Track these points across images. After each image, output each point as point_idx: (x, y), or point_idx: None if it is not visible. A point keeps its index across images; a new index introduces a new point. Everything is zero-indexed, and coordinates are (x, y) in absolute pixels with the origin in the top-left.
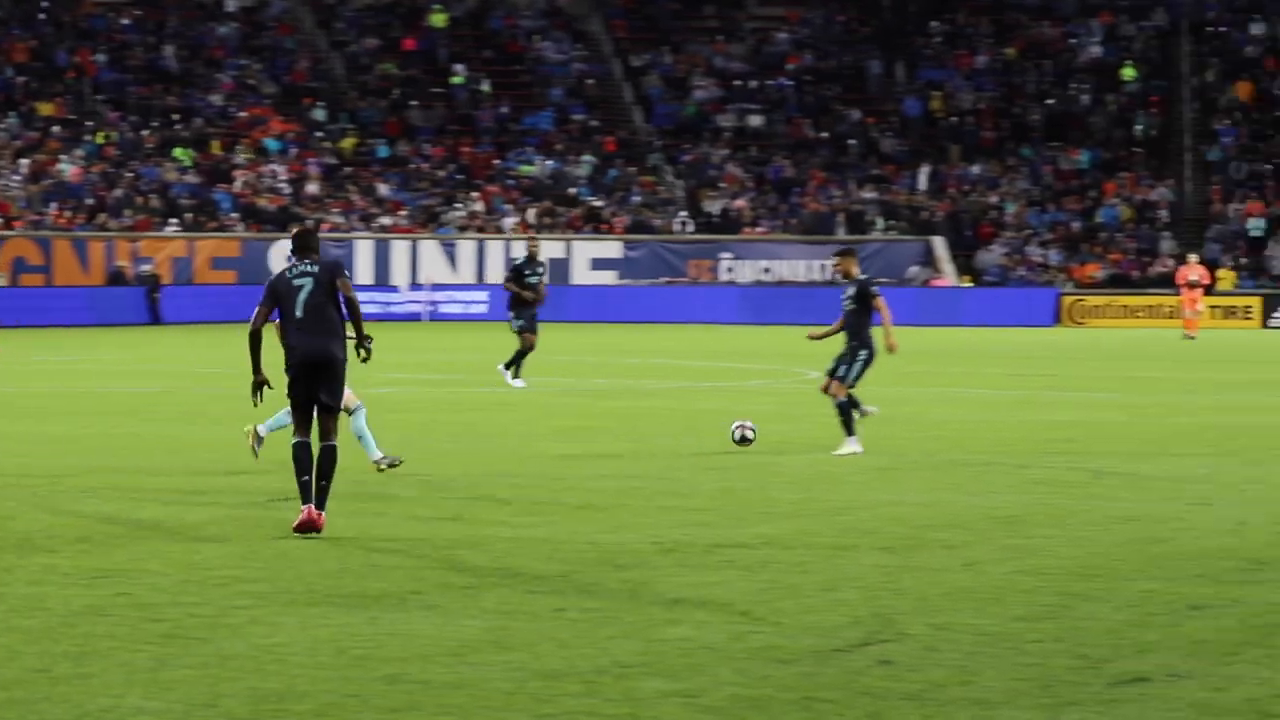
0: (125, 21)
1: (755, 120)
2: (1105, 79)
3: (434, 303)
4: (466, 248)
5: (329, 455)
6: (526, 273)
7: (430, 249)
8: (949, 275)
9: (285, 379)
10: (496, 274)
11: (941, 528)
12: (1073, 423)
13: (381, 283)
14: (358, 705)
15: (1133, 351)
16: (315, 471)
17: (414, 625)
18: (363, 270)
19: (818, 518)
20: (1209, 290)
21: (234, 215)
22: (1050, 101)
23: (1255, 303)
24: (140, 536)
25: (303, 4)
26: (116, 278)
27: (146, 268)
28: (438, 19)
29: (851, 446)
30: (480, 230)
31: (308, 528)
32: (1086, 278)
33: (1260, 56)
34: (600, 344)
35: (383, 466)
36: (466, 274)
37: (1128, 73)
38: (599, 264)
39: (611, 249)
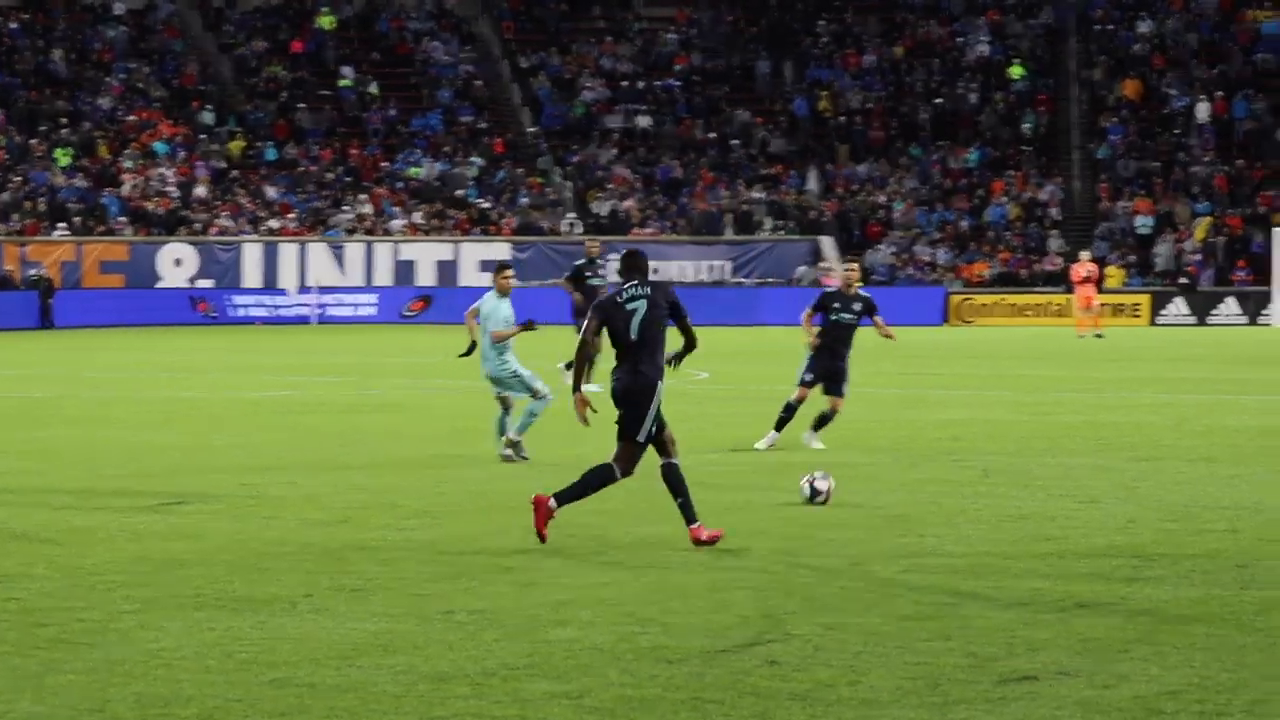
0: (13, 25)
1: (643, 121)
2: (993, 77)
3: (322, 305)
4: (355, 250)
5: (670, 474)
6: (587, 274)
7: (319, 252)
8: (838, 275)
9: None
10: (385, 277)
11: (830, 527)
12: (961, 421)
13: (270, 285)
14: (244, 709)
15: (1021, 350)
16: (670, 492)
17: (302, 628)
18: (251, 273)
19: (706, 518)
20: (1099, 287)
21: (122, 219)
22: (938, 100)
23: (1144, 300)
24: (28, 541)
25: (190, 7)
26: (5, 282)
27: (35, 272)
28: (325, 21)
29: (769, 441)
30: (369, 233)
31: (707, 541)
32: (975, 276)
33: (1147, 54)
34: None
35: (507, 451)
36: (355, 277)
37: (1015, 71)
38: (488, 265)
39: (500, 250)
